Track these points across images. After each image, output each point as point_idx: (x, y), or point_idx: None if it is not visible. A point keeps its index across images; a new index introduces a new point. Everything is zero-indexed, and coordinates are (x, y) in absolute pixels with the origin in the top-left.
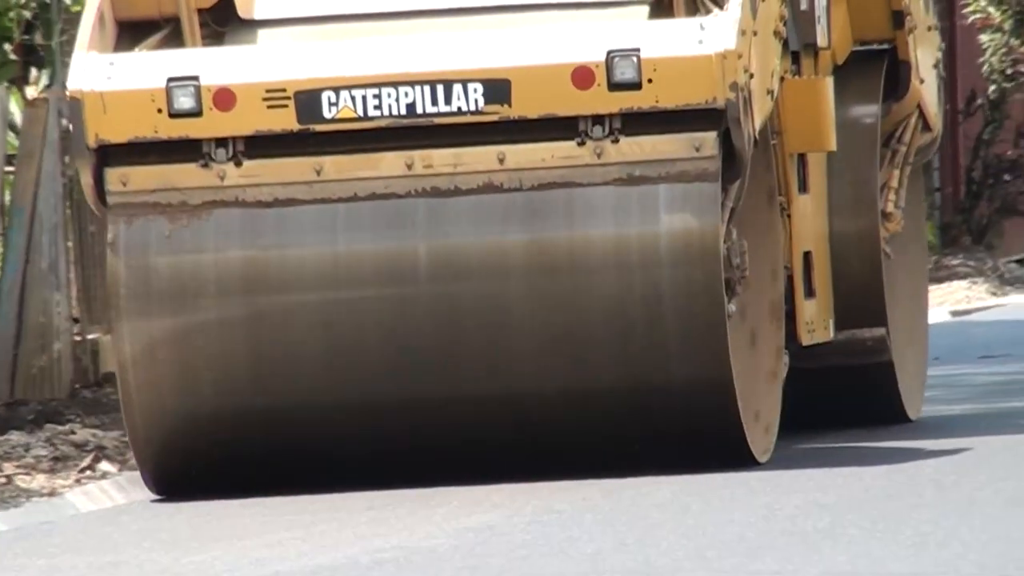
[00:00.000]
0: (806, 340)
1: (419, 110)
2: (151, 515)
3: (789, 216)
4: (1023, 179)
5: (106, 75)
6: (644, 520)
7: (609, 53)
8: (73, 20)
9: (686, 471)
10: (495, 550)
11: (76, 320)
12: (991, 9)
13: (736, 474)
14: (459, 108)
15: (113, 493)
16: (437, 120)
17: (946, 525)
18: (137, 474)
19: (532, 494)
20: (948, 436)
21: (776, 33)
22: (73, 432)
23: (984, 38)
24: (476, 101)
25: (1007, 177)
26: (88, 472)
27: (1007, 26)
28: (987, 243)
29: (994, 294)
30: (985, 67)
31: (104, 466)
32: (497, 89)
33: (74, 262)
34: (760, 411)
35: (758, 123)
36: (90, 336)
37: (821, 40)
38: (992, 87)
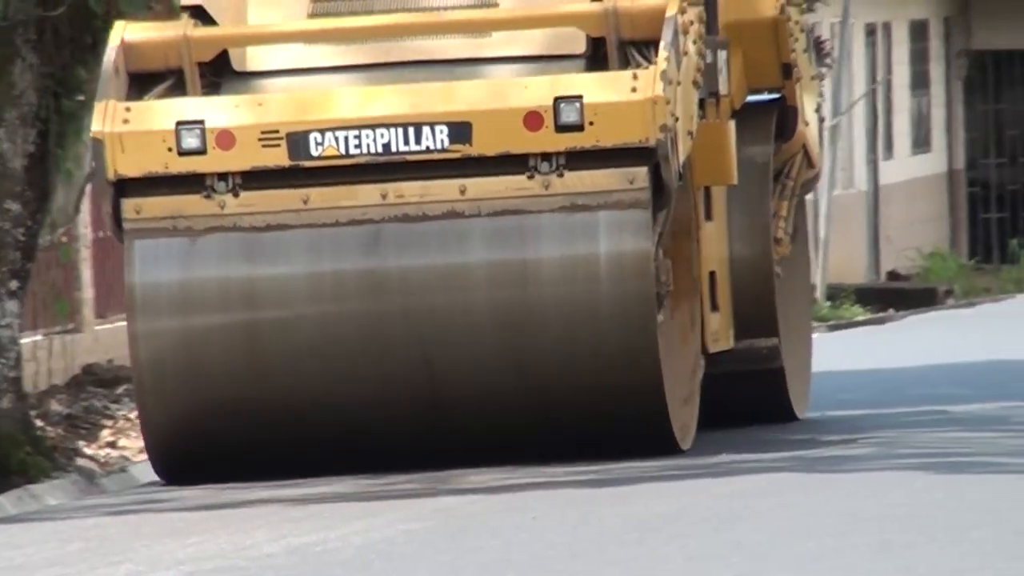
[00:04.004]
0: (712, 348)
1: (393, 148)
2: None
3: (697, 241)
4: None
5: (123, 119)
6: None
7: (556, 99)
8: None
9: (370, 525)
10: None
11: None
12: None
13: (424, 528)
14: (427, 147)
15: None
16: (408, 157)
17: None
18: None
19: (219, 548)
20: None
21: (695, 83)
22: None
23: None
24: (442, 141)
25: None
26: None
27: None
28: None
29: None
30: None
31: None
32: (460, 130)
33: None
34: (682, 405)
35: (682, 159)
36: None
37: (723, 88)
38: None
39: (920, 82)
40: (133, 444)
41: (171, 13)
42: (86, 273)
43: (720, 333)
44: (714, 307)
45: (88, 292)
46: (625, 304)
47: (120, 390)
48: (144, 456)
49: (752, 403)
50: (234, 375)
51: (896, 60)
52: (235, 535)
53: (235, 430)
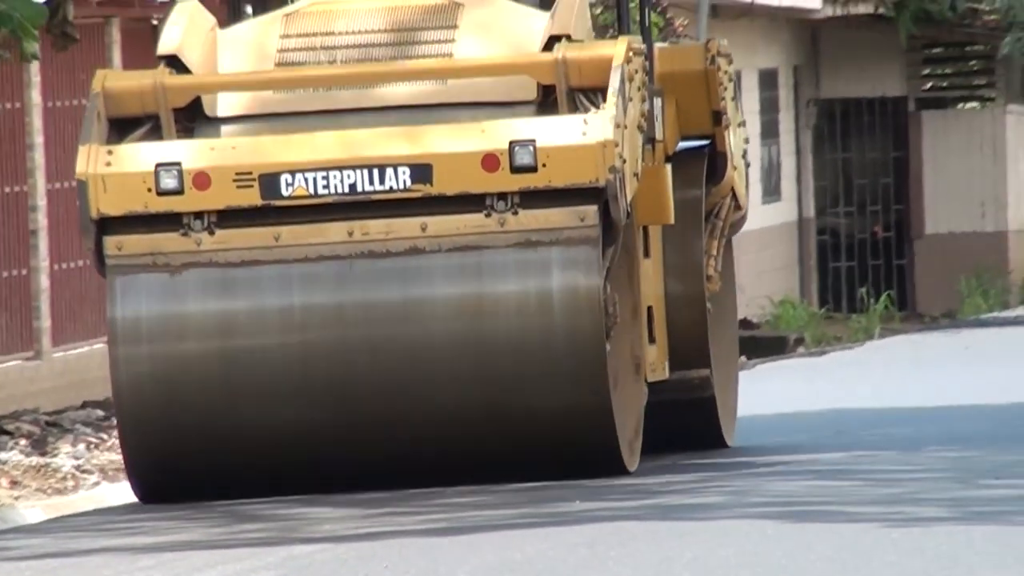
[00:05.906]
0: (650, 378)
1: (359, 188)
2: None
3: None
4: None
5: (105, 161)
6: None
7: (511, 142)
8: None
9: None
10: None
11: None
12: None
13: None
14: (391, 187)
15: None
16: (373, 196)
17: None
18: None
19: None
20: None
21: (640, 127)
22: None
23: None
24: (404, 181)
25: None
26: None
27: None
28: None
29: None
30: None
31: None
32: (421, 171)
33: None
34: (629, 430)
35: (629, 199)
36: None
37: (659, 134)
38: None
39: (770, 131)
40: None
41: (21, 60)
42: None
43: (656, 364)
44: (651, 340)
45: None
46: (576, 335)
47: None
48: None
49: (685, 430)
50: (210, 402)
51: (746, 109)
52: None
53: (210, 454)
